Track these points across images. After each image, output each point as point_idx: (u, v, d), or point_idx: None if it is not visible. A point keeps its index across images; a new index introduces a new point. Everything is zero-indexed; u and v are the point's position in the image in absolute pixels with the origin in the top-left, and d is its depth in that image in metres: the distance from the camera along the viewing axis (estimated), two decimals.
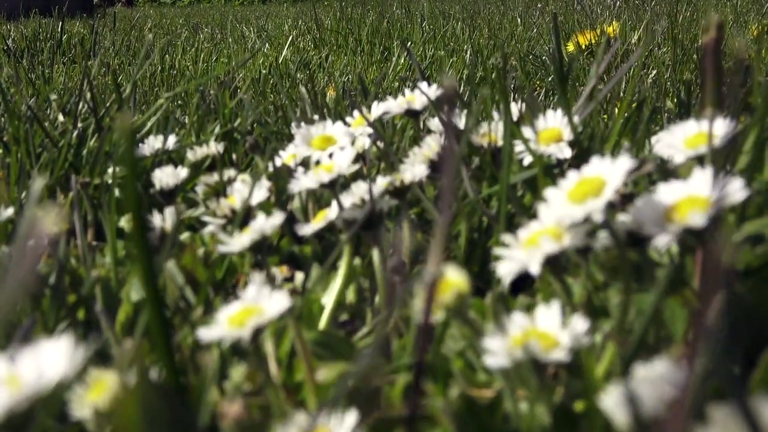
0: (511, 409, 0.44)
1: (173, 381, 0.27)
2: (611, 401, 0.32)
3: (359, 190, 0.67)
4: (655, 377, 0.31)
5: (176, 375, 0.28)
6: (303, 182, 0.65)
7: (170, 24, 4.33)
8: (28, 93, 1.23)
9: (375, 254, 0.64)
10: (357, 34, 2.66)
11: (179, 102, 1.33)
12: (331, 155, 0.70)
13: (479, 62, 2.19)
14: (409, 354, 0.51)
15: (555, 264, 0.46)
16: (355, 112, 0.83)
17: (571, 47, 2.41)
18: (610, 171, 0.47)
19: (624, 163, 0.46)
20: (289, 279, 0.71)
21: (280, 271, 0.70)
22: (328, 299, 0.64)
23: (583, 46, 2.37)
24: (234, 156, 0.93)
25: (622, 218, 0.48)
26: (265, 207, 0.76)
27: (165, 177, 0.79)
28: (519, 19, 2.94)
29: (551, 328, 0.41)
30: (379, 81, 1.74)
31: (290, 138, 0.96)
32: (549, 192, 0.48)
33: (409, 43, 2.34)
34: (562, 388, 0.45)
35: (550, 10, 3.33)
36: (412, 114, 0.84)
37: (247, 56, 2.21)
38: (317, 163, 0.74)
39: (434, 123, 0.86)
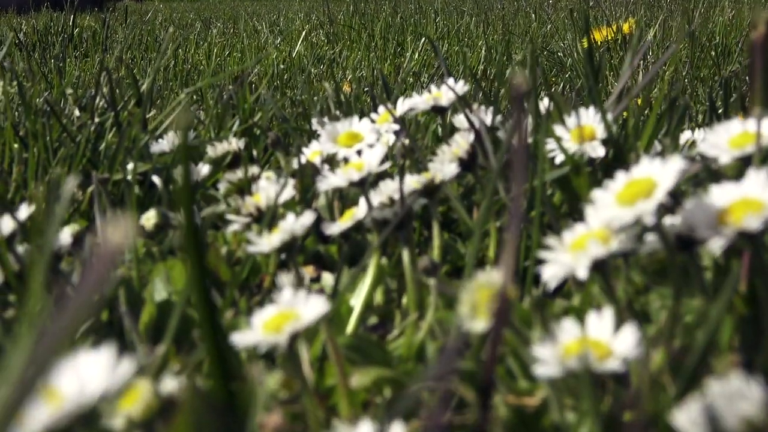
0: (559, 419, 0.42)
1: (223, 393, 0.26)
2: (686, 418, 0.30)
3: (387, 188, 0.65)
4: (733, 393, 0.29)
5: (227, 387, 0.26)
6: (332, 180, 0.63)
7: (181, 18, 4.31)
8: (42, 87, 1.21)
9: (405, 254, 0.62)
10: (370, 29, 2.64)
11: (194, 97, 1.31)
12: (359, 152, 0.69)
13: (494, 58, 2.17)
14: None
15: (602, 269, 0.45)
16: (380, 108, 0.81)
17: (586, 43, 2.38)
18: (661, 172, 0.45)
19: (676, 163, 0.44)
20: (316, 279, 0.69)
21: (306, 272, 0.68)
22: (357, 301, 0.62)
23: (599, 43, 2.35)
24: (254, 152, 0.92)
25: (671, 221, 0.46)
26: (290, 205, 0.74)
27: None
28: (533, 15, 2.91)
29: (603, 337, 0.40)
30: (394, 77, 1.72)
31: (310, 134, 0.94)
32: (596, 193, 0.46)
33: (423, 38, 2.31)
34: (610, 398, 0.43)
35: (563, 6, 3.30)
36: (438, 110, 0.82)
37: (263, 52, 2.20)
38: (345, 160, 0.72)
39: (459, 120, 0.84)
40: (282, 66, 1.80)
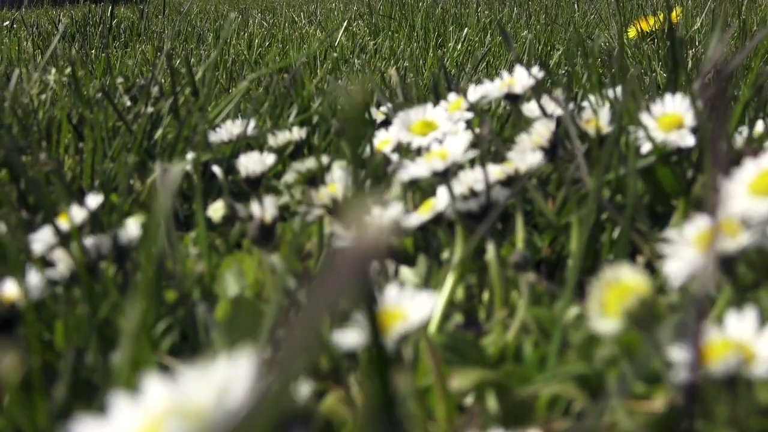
0: (687, 425, 0.39)
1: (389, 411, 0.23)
2: None
3: (467, 178, 0.62)
4: None
5: (392, 406, 0.23)
6: (413, 170, 0.60)
7: (215, 9, 4.29)
8: (94, 76, 1.19)
9: (490, 248, 0.59)
10: (411, 19, 2.60)
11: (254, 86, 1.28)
12: (440, 141, 0.65)
13: (537, 49, 2.13)
14: (554, 362, 0.46)
15: (730, 264, 0.41)
16: (451, 95, 0.78)
17: (632, 33, 2.35)
18: None
19: None
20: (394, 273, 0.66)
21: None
22: (439, 297, 0.59)
23: (646, 32, 2.30)
24: (315, 141, 0.89)
25: None
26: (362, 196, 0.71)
27: (251, 164, 0.74)
28: (576, 5, 2.87)
29: (745, 338, 0.36)
30: (438, 67, 1.69)
31: (369, 123, 0.91)
32: (726, 184, 0.42)
33: (466, 29, 2.28)
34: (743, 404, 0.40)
35: None
36: (512, 98, 0.79)
37: (306, 43, 2.17)
38: (418, 150, 0.69)
39: (529, 108, 0.81)
40: (336, 55, 1.77)
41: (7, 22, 3.29)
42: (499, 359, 0.52)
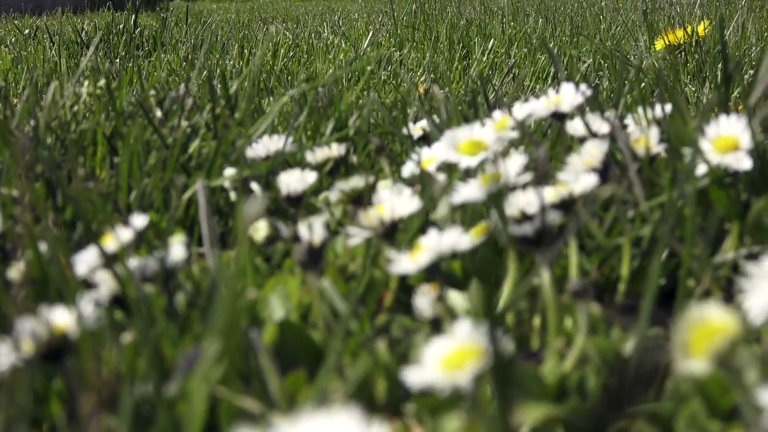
0: None
1: None
2: None
3: (518, 201, 0.60)
4: None
5: None
6: (466, 193, 0.58)
7: (236, 18, 4.29)
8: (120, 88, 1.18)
9: (544, 274, 0.57)
10: (435, 30, 2.59)
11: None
12: (488, 162, 0.64)
13: (564, 62, 2.11)
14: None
15: None
16: (495, 113, 0.77)
17: (660, 45, 2.32)
18: None
19: None
20: (440, 298, 0.64)
21: (430, 289, 0.63)
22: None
23: (674, 44, 2.28)
24: (355, 159, 0.87)
25: None
26: (409, 219, 0.69)
27: (293, 182, 0.73)
28: (601, 16, 2.84)
29: None
30: (463, 79, 1.67)
31: (406, 140, 0.90)
32: None
33: (492, 40, 2.26)
34: None
35: (632, 6, 3.23)
36: (558, 117, 0.77)
37: (330, 54, 2.16)
38: (467, 170, 0.68)
39: (573, 126, 0.79)
40: (371, 66, 1.75)
41: (29, 30, 3.29)
42: (558, 391, 0.50)
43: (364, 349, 0.51)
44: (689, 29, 2.29)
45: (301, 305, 0.65)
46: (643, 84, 0.82)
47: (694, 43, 2.29)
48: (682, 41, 2.35)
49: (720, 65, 1.95)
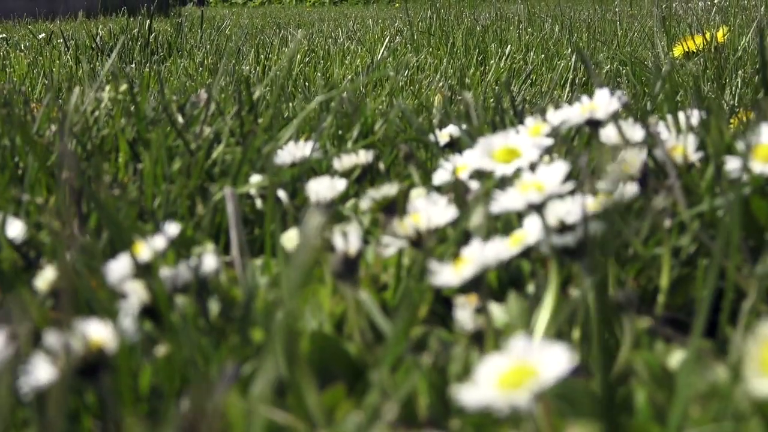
0: None
1: None
2: None
3: (557, 210, 0.58)
4: None
5: None
6: (505, 202, 0.56)
7: (248, 24, 4.28)
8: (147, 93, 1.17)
9: (587, 286, 0.55)
10: (452, 36, 2.57)
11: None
12: (523, 169, 0.62)
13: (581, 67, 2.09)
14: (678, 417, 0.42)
15: None
16: (528, 120, 0.75)
17: (677, 52, 2.30)
18: None
19: None
20: (480, 310, 0.63)
21: (467, 301, 0.62)
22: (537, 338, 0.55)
23: (692, 51, 2.26)
24: (381, 166, 0.86)
25: None
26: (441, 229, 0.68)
27: (322, 189, 0.71)
28: (618, 23, 2.83)
29: None
30: (481, 85, 1.66)
31: (433, 146, 0.88)
32: None
33: (509, 46, 2.24)
34: None
35: (645, 14, 3.21)
36: (593, 124, 0.75)
37: (348, 58, 2.14)
38: (502, 179, 0.66)
39: (605, 134, 0.77)
40: (394, 74, 1.74)
41: (43, 35, 3.29)
42: (604, 407, 0.49)
43: (404, 364, 0.49)
44: (708, 35, 2.27)
45: (333, 315, 0.63)
46: (671, 91, 0.80)
47: (713, 50, 2.27)
48: (701, 48, 2.34)
49: (740, 72, 1.93)
